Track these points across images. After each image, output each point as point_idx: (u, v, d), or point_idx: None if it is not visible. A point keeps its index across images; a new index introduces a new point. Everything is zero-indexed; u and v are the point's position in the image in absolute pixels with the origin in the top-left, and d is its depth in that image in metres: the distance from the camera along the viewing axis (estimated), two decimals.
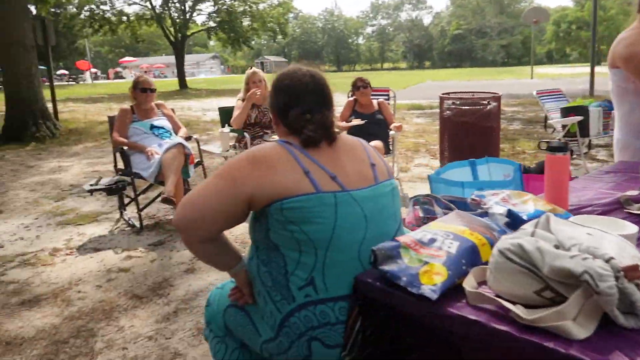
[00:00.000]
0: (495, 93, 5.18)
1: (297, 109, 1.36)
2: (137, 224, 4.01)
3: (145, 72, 63.90)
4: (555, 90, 6.14)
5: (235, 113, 4.56)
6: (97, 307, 2.72)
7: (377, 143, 4.49)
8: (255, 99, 4.38)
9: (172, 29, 27.20)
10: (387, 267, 1.16)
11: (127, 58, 62.50)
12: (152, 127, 4.08)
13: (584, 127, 5.23)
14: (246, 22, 27.98)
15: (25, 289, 2.99)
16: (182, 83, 28.01)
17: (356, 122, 4.54)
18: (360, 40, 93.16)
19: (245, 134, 4.33)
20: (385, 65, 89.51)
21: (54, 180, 5.80)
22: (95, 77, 53.02)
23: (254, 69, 4.63)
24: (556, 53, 68.59)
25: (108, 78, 59.06)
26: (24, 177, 6.02)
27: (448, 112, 5.19)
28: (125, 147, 3.86)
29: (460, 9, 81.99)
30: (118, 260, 3.36)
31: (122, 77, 62.36)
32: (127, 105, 4.17)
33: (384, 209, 1.34)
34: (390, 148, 4.74)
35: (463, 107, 5.07)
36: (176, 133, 4.24)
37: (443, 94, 5.48)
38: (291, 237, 1.25)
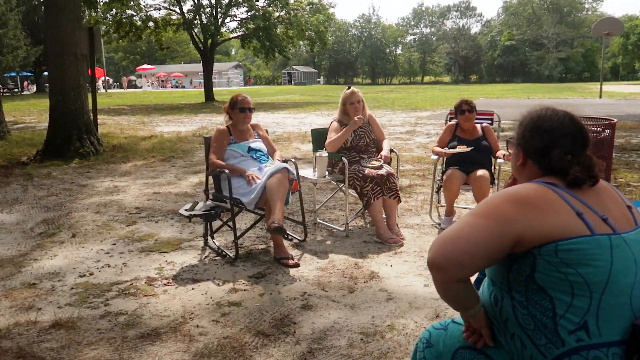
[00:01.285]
0: (609, 119, 5.24)
1: (558, 150, 1.51)
2: (230, 253, 4.18)
3: (163, 81, 65.59)
4: None
5: (331, 136, 4.76)
6: (224, 344, 2.87)
7: (483, 173, 4.61)
8: (359, 124, 4.55)
9: (200, 36, 28.02)
10: None
11: (144, 66, 64.31)
12: (250, 149, 4.27)
13: None
14: (281, 29, 28.67)
15: (137, 321, 3.16)
16: (209, 95, 28.67)
17: (461, 148, 4.67)
18: (399, 51, 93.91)
19: (344, 159, 4.49)
20: (426, 78, 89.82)
21: (116, 202, 6.06)
22: (107, 85, 54.68)
23: (352, 88, 4.83)
24: (623, 69, 67.71)
25: (122, 87, 60.88)
26: (81, 198, 6.31)
27: None
28: (225, 171, 4.04)
29: (514, 18, 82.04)
30: (224, 293, 3.52)
31: (136, 86, 64.11)
32: (222, 125, 4.38)
33: None
34: (495, 178, 4.84)
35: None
36: (272, 156, 4.42)
37: None
38: (564, 279, 1.37)
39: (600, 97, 27.13)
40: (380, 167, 4.62)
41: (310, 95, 36.93)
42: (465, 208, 5.48)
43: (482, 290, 1.66)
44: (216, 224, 4.69)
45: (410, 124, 14.60)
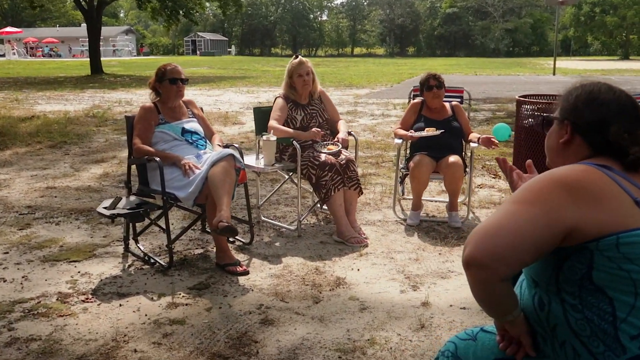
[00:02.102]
0: None
1: (618, 126, 1.57)
2: (162, 260, 4.05)
3: (32, 48, 62.23)
4: None
5: (275, 115, 4.73)
6: None
7: (456, 159, 4.76)
8: (317, 137, 4.58)
9: None
10: None
11: (7, 29, 60.61)
12: (184, 131, 4.17)
13: None
14: None
15: (57, 348, 3.00)
16: (96, 66, 27.55)
17: (431, 131, 4.79)
18: (325, 17, 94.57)
19: (296, 143, 4.48)
20: (357, 50, 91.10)
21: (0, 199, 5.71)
22: None
23: (300, 58, 4.83)
24: (575, 42, 71.99)
25: None
26: None
27: (530, 120, 5.53)
28: (155, 159, 3.91)
29: None
30: (161, 310, 3.41)
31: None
32: (147, 102, 4.23)
33: None
34: (466, 165, 5.01)
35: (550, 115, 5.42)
36: (210, 140, 4.33)
37: (521, 96, 5.82)
38: (627, 277, 1.42)
39: (554, 74, 28.75)
40: (338, 153, 4.64)
41: (221, 69, 36.45)
42: (432, 201, 5.63)
43: (520, 292, 1.69)
44: (139, 224, 4.51)
45: (350, 104, 14.78)
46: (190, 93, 17.84)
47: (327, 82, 22.33)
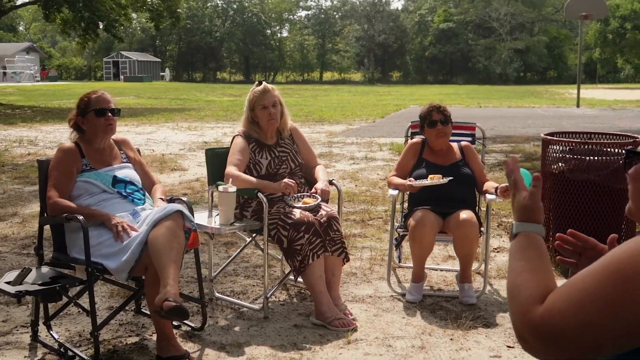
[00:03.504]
0: (634, 136, 5.71)
1: None
2: (83, 354, 3.95)
3: None
4: None
5: (234, 159, 4.73)
6: None
7: (469, 215, 4.82)
8: (290, 191, 4.58)
9: None
10: None
11: None
12: (116, 181, 4.16)
13: None
14: None
15: None
16: None
17: (435, 179, 4.84)
18: (286, 33, 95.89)
19: (262, 196, 4.47)
20: (327, 75, 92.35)
21: None
22: None
23: (264, 84, 4.88)
24: (601, 66, 74.28)
25: None
26: None
27: (561, 164, 5.63)
28: (77, 217, 3.85)
29: None
30: None
31: None
32: (66, 142, 4.21)
33: None
34: (481, 223, 5.05)
35: (586, 158, 5.53)
36: (150, 192, 4.31)
37: (547, 134, 5.94)
38: None
39: (578, 105, 29.51)
40: (316, 208, 4.63)
41: (152, 98, 36.55)
42: (437, 269, 5.64)
43: None
44: (53, 305, 4.41)
45: (322, 144, 14.89)
46: None
47: (291, 116, 22.50)
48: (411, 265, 5.06)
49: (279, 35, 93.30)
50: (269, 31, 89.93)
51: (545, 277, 1.64)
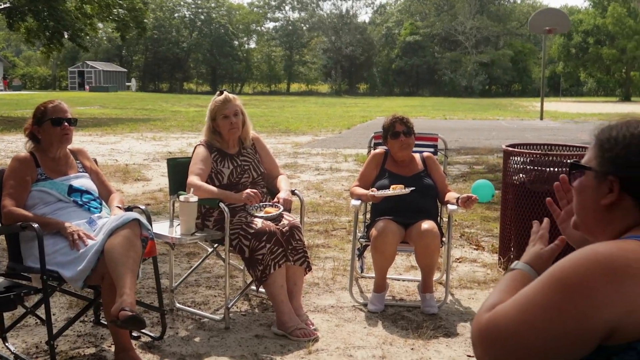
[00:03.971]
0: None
1: None
2: None
3: None
4: None
5: (196, 169, 4.71)
6: None
7: (430, 226, 4.84)
8: (253, 201, 4.57)
9: None
10: None
11: None
12: (72, 190, 4.12)
13: None
14: (72, 1, 28.09)
15: None
16: None
17: (398, 189, 4.85)
18: (253, 44, 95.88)
19: (223, 206, 4.45)
20: (294, 86, 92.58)
21: None
22: None
23: (225, 94, 4.88)
24: (565, 80, 75.33)
25: None
26: None
27: (522, 175, 5.68)
28: (33, 225, 3.80)
29: (417, 3, 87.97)
30: None
31: None
32: (22, 152, 4.16)
33: None
34: (444, 234, 5.08)
35: (546, 170, 5.58)
36: (107, 202, 4.29)
37: (508, 146, 6.00)
38: None
39: (541, 118, 29.92)
40: (279, 218, 4.62)
41: (118, 108, 36.34)
42: (399, 280, 5.65)
43: None
44: (9, 315, 4.34)
45: (288, 155, 14.90)
46: (76, 140, 17.60)
47: (257, 127, 22.43)
48: (373, 275, 5.07)
49: (246, 46, 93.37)
50: (236, 42, 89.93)
51: (505, 291, 1.68)
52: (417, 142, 5.32)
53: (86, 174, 4.28)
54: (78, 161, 4.32)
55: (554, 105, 46.06)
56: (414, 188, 4.87)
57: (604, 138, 1.71)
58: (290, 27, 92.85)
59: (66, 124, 4.14)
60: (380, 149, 5.30)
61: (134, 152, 15.04)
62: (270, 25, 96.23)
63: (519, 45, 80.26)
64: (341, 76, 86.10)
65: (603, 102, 57.68)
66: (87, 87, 72.22)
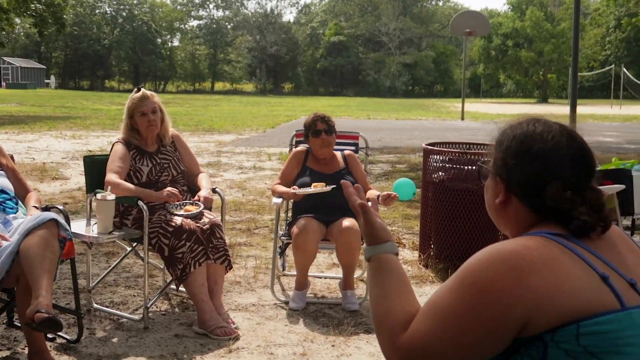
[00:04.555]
0: None
1: (555, 184, 1.65)
2: None
3: None
4: None
5: (114, 166, 4.64)
6: None
7: (351, 223, 4.87)
8: (173, 200, 4.53)
9: None
10: None
11: None
12: None
13: (625, 201, 6.18)
14: None
15: None
16: None
17: (318, 187, 4.86)
18: (177, 42, 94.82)
19: (142, 204, 4.39)
20: (219, 85, 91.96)
21: None
22: None
23: (143, 91, 4.82)
24: (485, 82, 77.06)
25: None
26: None
27: (441, 173, 5.77)
28: None
29: (342, 4, 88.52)
30: None
31: None
32: None
33: None
34: None
35: (464, 168, 5.69)
36: (22, 200, 4.17)
37: (428, 144, 6.09)
38: None
39: (462, 118, 30.51)
40: (199, 216, 4.59)
41: (36, 105, 35.45)
42: (321, 277, 5.67)
43: None
44: None
45: (211, 153, 14.78)
46: None
47: (180, 126, 22.25)
48: (295, 273, 5.07)
49: (169, 44, 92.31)
50: (159, 40, 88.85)
51: (404, 301, 1.66)
52: (338, 141, 5.34)
53: (2, 172, 4.16)
54: None
55: (474, 106, 47.03)
56: (335, 186, 4.88)
57: (497, 140, 1.78)
58: (214, 26, 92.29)
59: None
60: (302, 147, 5.31)
61: (52, 151, 14.68)
62: (194, 23, 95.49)
63: (441, 47, 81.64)
64: (266, 75, 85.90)
65: (522, 103, 59.18)
66: (3, 83, 70.16)
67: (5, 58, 74.08)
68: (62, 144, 16.20)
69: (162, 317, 4.73)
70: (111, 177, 4.55)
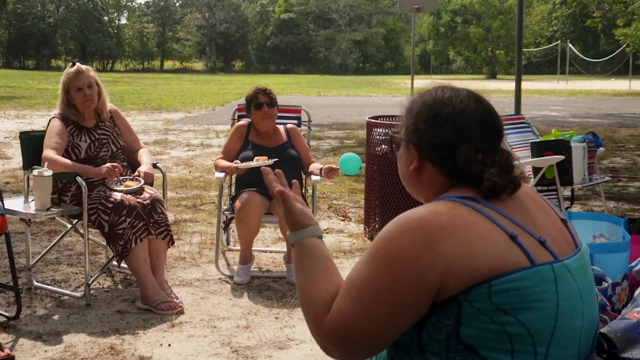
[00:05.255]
0: None
1: (466, 147, 1.67)
2: None
3: None
4: (516, 116, 7.24)
5: (51, 142, 4.57)
6: None
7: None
8: (113, 176, 4.49)
9: None
10: (632, 354, 1.54)
11: None
12: None
13: (565, 171, 6.29)
14: None
15: None
16: None
17: (260, 160, 4.85)
18: (124, 20, 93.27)
19: (80, 180, 4.33)
20: (168, 64, 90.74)
21: None
22: None
23: (78, 65, 4.76)
24: (435, 58, 77.51)
25: None
26: None
27: (384, 146, 5.81)
28: None
29: None
30: None
31: None
32: None
33: (592, 284, 1.71)
34: (308, 203, 5.13)
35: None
36: None
37: (371, 117, 6.11)
38: (501, 332, 1.51)
39: (412, 94, 30.65)
40: (140, 191, 4.55)
41: None
42: (265, 251, 5.67)
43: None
44: None
45: (158, 131, 14.65)
46: None
47: (128, 105, 21.98)
48: (239, 247, 5.07)
49: (117, 22, 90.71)
50: (106, 18, 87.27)
51: (328, 284, 1.67)
52: (281, 114, 5.34)
53: None
54: None
55: (425, 82, 47.06)
56: (277, 159, 4.88)
57: (406, 108, 1.81)
58: (162, 3, 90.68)
59: None
60: (244, 121, 5.29)
61: None
62: (141, 0, 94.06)
63: (391, 24, 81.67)
64: (216, 53, 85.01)
65: (471, 79, 59.62)
66: None
67: None
68: (4, 124, 15.87)
69: (105, 294, 4.69)
70: (48, 153, 4.47)
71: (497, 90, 35.45)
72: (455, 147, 1.67)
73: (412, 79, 31.73)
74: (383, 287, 1.53)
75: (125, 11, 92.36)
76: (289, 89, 34.65)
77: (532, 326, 1.51)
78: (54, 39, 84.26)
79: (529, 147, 6.50)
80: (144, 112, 19.56)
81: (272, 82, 45.13)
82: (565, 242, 1.69)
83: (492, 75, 66.81)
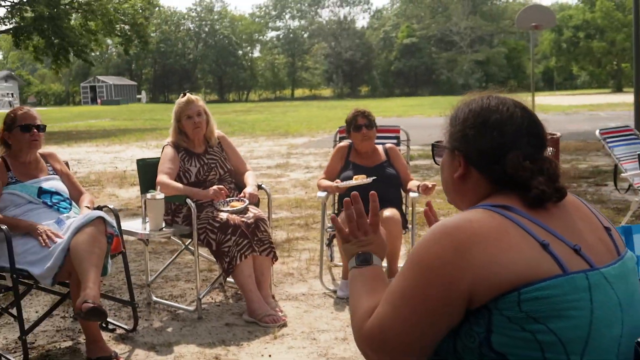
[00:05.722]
0: (551, 134, 5.80)
1: (515, 154, 1.64)
2: (14, 358, 3.93)
3: None
4: (624, 128, 6.93)
5: (165, 168, 4.75)
6: None
7: (392, 213, 4.86)
8: (220, 198, 4.61)
9: None
10: None
11: None
12: (42, 192, 4.14)
13: None
14: (77, 18, 28.21)
15: None
16: None
17: (359, 179, 4.87)
18: (257, 53, 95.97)
19: (190, 202, 4.48)
20: (298, 92, 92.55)
21: None
22: None
23: (188, 95, 4.92)
24: (558, 74, 75.17)
25: None
26: None
27: None
28: (1, 227, 3.84)
29: (413, 7, 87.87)
30: None
31: None
32: None
33: (635, 292, 1.62)
34: (408, 220, 5.10)
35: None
36: (77, 202, 4.32)
37: None
38: (531, 340, 1.46)
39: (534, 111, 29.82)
40: (245, 211, 4.66)
41: (127, 120, 36.40)
42: None
43: None
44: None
45: (281, 155, 14.93)
46: (83, 150, 17.71)
47: (257, 131, 22.54)
48: (342, 263, 5.10)
49: (250, 55, 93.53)
50: (240, 52, 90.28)
51: (373, 296, 1.68)
52: (380, 134, 5.37)
53: (56, 176, 4.31)
54: (48, 164, 4.34)
55: (548, 99, 45.91)
56: (375, 177, 4.89)
57: (451, 116, 1.79)
58: (291, 35, 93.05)
59: (35, 130, 4.18)
60: (345, 142, 5.34)
61: (134, 160, 15.04)
62: (272, 34, 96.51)
63: (512, 43, 79.96)
64: (343, 80, 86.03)
65: (596, 94, 57.36)
66: (99, 100, 72.60)
67: (99, 77, 76.67)
68: (145, 153, 16.60)
69: (216, 308, 4.83)
70: (161, 177, 4.67)
71: (622, 104, 34.04)
72: (503, 154, 1.65)
73: (533, 96, 30.94)
74: (416, 294, 1.52)
75: (257, 44, 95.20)
76: (411, 110, 34.50)
77: (564, 334, 1.46)
78: (194, 73, 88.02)
79: (637, 159, 6.22)
80: (271, 138, 20.01)
81: (396, 104, 45.18)
82: (606, 250, 1.62)
83: (618, 89, 64.01)
